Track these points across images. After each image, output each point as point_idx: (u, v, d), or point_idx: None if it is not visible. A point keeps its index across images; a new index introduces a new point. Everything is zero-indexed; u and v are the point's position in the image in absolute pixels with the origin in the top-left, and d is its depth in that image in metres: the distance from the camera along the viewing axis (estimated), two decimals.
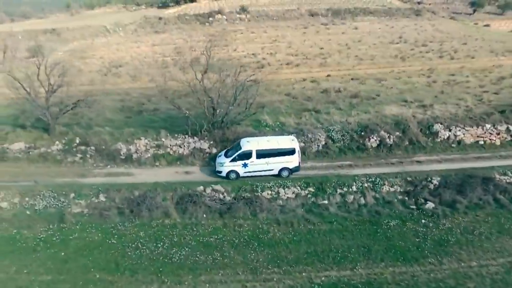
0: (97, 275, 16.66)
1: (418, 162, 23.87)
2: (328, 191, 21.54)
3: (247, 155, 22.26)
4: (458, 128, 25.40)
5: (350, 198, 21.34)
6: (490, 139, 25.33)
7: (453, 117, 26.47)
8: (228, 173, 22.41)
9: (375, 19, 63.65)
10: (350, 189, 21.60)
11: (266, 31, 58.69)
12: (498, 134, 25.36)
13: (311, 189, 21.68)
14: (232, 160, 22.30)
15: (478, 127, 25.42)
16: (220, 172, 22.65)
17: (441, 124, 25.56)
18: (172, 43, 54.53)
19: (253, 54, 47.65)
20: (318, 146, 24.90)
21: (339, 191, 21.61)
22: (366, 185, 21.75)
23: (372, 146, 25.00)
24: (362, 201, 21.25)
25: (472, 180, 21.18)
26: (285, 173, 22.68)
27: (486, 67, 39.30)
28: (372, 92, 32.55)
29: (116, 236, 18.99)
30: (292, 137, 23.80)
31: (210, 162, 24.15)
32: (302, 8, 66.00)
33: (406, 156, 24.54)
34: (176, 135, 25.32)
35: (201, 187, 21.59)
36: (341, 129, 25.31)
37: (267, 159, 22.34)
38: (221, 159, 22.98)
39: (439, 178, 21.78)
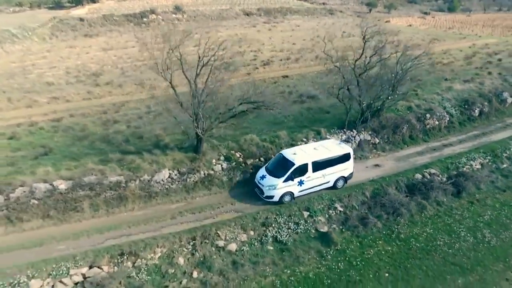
0: None
1: None
2: (500, 156, 23.58)
3: (302, 170, 18.07)
4: None
5: None
6: None
7: (503, 87, 32.05)
8: (282, 196, 17.91)
9: (301, 17, 68.32)
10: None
11: (219, 31, 55.96)
12: None
13: (488, 157, 23.29)
14: (286, 180, 17.78)
15: None
16: (272, 197, 17.86)
17: (506, 92, 30.70)
18: (124, 47, 46.42)
19: (240, 52, 45.38)
20: (445, 122, 26.61)
21: (504, 155, 23.91)
22: None
23: (476, 116, 28.22)
24: None
25: None
26: (340, 184, 19.44)
27: (439, 51, 47.67)
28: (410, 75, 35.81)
29: (413, 240, 16.88)
30: (334, 140, 21.20)
31: (380, 151, 22.87)
32: (235, 8, 65.27)
33: (501, 121, 28.65)
34: (332, 130, 22.99)
35: (418, 175, 20.60)
36: (452, 105, 27.62)
37: (323, 171, 18.65)
38: (269, 180, 17.90)
39: None
